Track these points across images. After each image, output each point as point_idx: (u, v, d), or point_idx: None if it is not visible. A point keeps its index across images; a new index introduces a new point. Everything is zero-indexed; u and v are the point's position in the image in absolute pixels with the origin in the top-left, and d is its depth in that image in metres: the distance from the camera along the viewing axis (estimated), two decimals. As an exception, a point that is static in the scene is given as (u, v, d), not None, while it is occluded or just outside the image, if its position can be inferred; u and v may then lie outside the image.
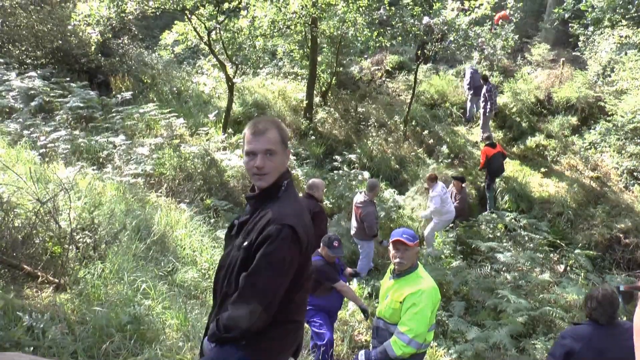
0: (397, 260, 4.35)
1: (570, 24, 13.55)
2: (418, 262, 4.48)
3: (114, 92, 13.68)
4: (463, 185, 12.91)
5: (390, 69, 19.62)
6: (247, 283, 2.56)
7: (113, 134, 10.61)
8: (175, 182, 9.66)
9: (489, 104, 15.48)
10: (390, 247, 4.44)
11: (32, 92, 11.10)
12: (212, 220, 8.77)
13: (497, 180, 14.00)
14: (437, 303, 4.36)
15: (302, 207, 2.82)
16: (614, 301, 4.22)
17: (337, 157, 14.56)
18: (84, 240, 5.15)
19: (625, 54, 11.73)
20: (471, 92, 16.91)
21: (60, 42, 13.90)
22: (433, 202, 11.12)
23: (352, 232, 9.94)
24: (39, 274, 4.43)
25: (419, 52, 16.60)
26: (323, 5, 14.51)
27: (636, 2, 10.29)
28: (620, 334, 4.14)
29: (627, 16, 10.65)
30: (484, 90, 15.63)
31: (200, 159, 10.65)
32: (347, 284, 6.35)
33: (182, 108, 14.31)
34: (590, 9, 11.92)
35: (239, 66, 14.86)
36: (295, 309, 2.77)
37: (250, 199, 2.85)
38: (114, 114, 11.75)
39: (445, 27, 15.02)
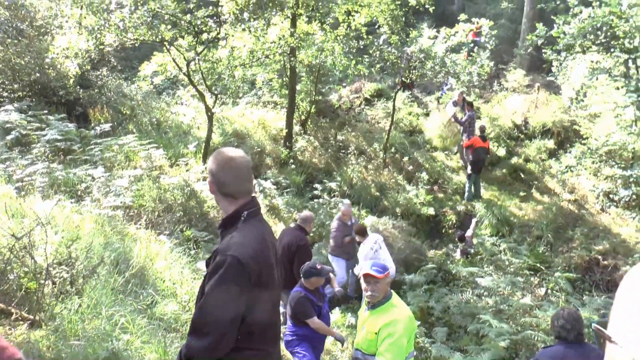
0: (369, 293, 4.38)
1: (543, 50, 13.58)
2: (391, 292, 4.50)
3: (92, 124, 13.60)
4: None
5: (369, 97, 19.69)
6: (197, 314, 2.59)
7: (92, 166, 10.51)
8: (154, 213, 9.56)
9: (468, 131, 15.59)
10: (362, 281, 4.47)
11: (8, 125, 11.03)
12: (193, 252, 8.69)
13: (478, 201, 14.22)
14: (414, 331, 4.38)
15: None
16: (579, 319, 4.37)
17: (317, 185, 14.60)
18: (61, 275, 5.06)
19: (597, 78, 11.90)
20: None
21: (38, 74, 13.84)
22: (362, 257, 9.43)
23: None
24: (13, 310, 4.33)
25: (398, 80, 16.74)
26: (301, 35, 14.64)
27: (604, 28, 10.49)
28: (590, 352, 4.24)
29: (596, 42, 10.86)
30: (465, 116, 15.74)
31: (180, 190, 10.59)
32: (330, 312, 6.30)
33: (162, 139, 14.25)
34: (562, 35, 12.08)
35: (219, 96, 14.83)
36: (258, 339, 2.75)
37: (218, 229, 2.93)
38: (93, 146, 11.63)
39: (422, 55, 15.19)
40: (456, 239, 12.63)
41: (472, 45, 17.96)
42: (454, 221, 14.29)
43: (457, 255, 12.33)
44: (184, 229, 9.69)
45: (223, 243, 2.72)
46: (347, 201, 9.70)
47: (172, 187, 10.44)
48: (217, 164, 2.83)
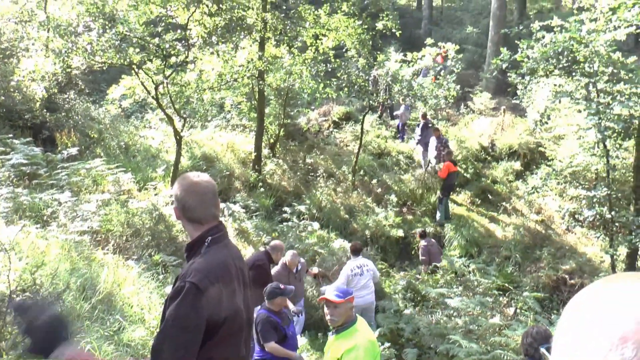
0: (329, 317, 4.39)
1: (508, 74, 13.65)
2: (356, 316, 4.50)
3: (59, 148, 13.30)
4: (424, 242, 13.00)
5: (337, 120, 19.78)
6: (156, 340, 2.56)
7: (58, 190, 10.24)
8: (122, 238, 9.38)
9: (437, 154, 15.75)
10: (324, 305, 4.49)
11: (-29, 150, 10.76)
12: (161, 276, 8.55)
13: (448, 223, 14.44)
14: (377, 355, 4.35)
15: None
16: (548, 337, 4.39)
17: (286, 208, 14.61)
18: (25, 303, 4.89)
19: (559, 101, 12.10)
20: (420, 147, 17.01)
21: (3, 98, 13.55)
22: (341, 277, 9.53)
23: None
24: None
25: (366, 102, 16.86)
26: (269, 58, 14.74)
27: (565, 53, 10.69)
28: None
29: (558, 66, 10.98)
30: (435, 143, 15.84)
31: (148, 214, 10.42)
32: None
33: (130, 163, 14.11)
34: (525, 60, 12.00)
35: (187, 119, 14.78)
36: None
37: (185, 254, 2.90)
38: (60, 170, 11.34)
39: (390, 78, 15.45)
40: (417, 236, 13.04)
41: (439, 68, 18.18)
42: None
43: (422, 267, 12.67)
44: (153, 253, 9.52)
45: (184, 269, 2.70)
46: (292, 252, 9.15)
47: (140, 211, 10.27)
48: (181, 189, 2.81)
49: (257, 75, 14.96)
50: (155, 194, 12.07)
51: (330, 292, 4.42)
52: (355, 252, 9.77)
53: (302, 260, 9.28)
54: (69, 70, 12.97)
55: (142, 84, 12.92)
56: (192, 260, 2.74)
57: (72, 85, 16.99)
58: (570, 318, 0.83)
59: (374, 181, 16.48)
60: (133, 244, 9.41)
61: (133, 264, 8.21)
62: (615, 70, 10.74)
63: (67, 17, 12.09)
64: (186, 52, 12.73)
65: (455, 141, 17.44)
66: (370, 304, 9.56)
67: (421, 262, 12.96)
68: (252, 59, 14.18)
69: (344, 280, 9.28)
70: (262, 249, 8.69)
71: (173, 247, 10.28)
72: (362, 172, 16.71)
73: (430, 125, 16.81)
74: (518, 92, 15.30)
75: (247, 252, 11.25)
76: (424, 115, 16.83)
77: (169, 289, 7.51)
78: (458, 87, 16.82)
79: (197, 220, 2.82)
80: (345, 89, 15.88)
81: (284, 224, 13.74)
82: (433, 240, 13.36)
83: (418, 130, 16.68)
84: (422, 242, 12.91)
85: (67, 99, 15.81)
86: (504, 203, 15.67)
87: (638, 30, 10.69)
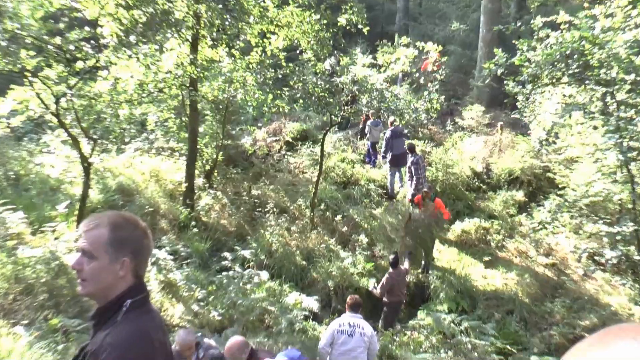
0: None
1: (505, 82, 13.89)
2: None
3: None
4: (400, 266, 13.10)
5: (291, 140, 19.85)
6: None
7: None
8: (8, 297, 9.12)
9: (414, 179, 15.83)
10: None
11: None
12: (61, 346, 8.30)
13: (433, 270, 14.48)
14: None
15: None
16: None
17: (226, 254, 14.49)
18: None
19: (570, 116, 12.07)
20: (386, 159, 17.20)
21: None
22: (324, 337, 9.33)
23: None
24: None
25: (326, 117, 17.07)
26: (204, 63, 14.67)
27: (575, 56, 10.66)
28: None
29: (568, 72, 10.91)
30: (408, 162, 15.99)
31: (44, 264, 10.16)
32: None
33: (22, 198, 13.83)
34: (526, 64, 12.14)
35: (98, 141, 14.40)
36: None
37: (91, 321, 2.79)
38: None
39: (356, 87, 15.40)
40: (390, 262, 13.00)
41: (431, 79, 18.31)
42: (411, 284, 14.39)
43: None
44: (50, 315, 9.27)
45: (95, 342, 2.61)
46: (185, 330, 7.67)
47: (33, 262, 10.01)
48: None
49: (188, 85, 14.85)
50: (55, 238, 11.81)
51: (280, 356, 4.39)
52: (354, 307, 9.55)
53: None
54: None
55: (38, 96, 12.45)
56: (105, 330, 2.64)
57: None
58: None
59: (338, 217, 16.51)
60: (23, 304, 9.13)
61: (22, 330, 7.98)
62: (638, 78, 10.57)
63: None
64: (97, 56, 12.40)
65: (440, 165, 17.51)
66: None
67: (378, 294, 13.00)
68: (181, 64, 14.13)
69: (329, 337, 9.11)
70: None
71: (78, 307, 10.00)
72: (322, 207, 16.70)
73: (399, 134, 16.97)
74: (518, 104, 15.32)
75: (176, 311, 11.22)
76: (392, 122, 17.00)
77: (70, 362, 7.31)
78: (442, 98, 16.83)
79: None
80: (301, 101, 15.80)
81: (224, 273, 13.56)
82: (404, 268, 13.33)
83: (385, 141, 16.85)
84: (390, 271, 12.95)
85: None
86: (503, 243, 15.70)
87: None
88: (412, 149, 16.14)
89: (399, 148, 16.82)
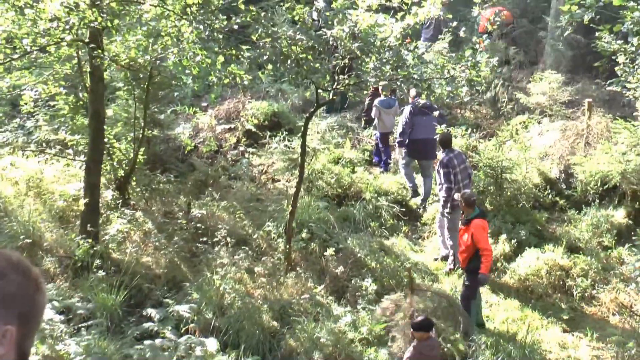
0: None
1: (596, 33, 12.78)
2: None
3: None
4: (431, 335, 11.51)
5: (254, 129, 18.37)
6: None
7: None
8: None
9: (445, 187, 14.40)
10: None
11: None
12: None
13: (480, 332, 12.86)
14: None
15: None
16: None
17: (151, 311, 12.39)
18: None
19: None
20: (403, 146, 16.64)
21: None
22: None
23: None
24: None
25: (310, 93, 16.54)
26: (113, 5, 13.07)
27: None
28: None
29: None
30: (438, 164, 14.85)
31: None
32: None
33: None
34: (632, 3, 10.82)
35: None
36: None
37: None
38: None
39: (357, 45, 13.38)
40: (413, 325, 11.64)
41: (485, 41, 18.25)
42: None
43: None
44: None
45: None
46: None
47: None
48: None
49: (87, 40, 12.88)
50: None
51: None
52: None
53: None
54: None
55: None
56: None
57: None
58: None
59: (330, 252, 14.32)
60: None
61: None
62: None
63: None
64: None
65: (488, 169, 15.80)
66: None
67: None
68: (75, 5, 12.03)
69: None
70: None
71: None
72: (305, 234, 14.82)
73: (426, 110, 16.05)
74: (617, 69, 13.81)
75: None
76: (414, 97, 16.20)
77: None
78: (496, 61, 14.66)
79: None
80: (269, 67, 13.96)
81: (147, 342, 11.42)
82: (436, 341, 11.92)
83: (403, 120, 16.20)
84: (414, 344, 11.58)
85: None
86: (593, 292, 13.84)
87: None
88: (445, 141, 14.69)
89: (424, 130, 15.63)
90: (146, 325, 12.06)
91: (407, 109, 16.37)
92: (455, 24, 16.15)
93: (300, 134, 15.09)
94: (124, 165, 15.47)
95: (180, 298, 13.07)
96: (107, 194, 15.32)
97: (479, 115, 18.88)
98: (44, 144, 16.86)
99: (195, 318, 12.43)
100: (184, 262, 14.24)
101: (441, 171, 14.43)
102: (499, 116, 18.65)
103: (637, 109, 16.70)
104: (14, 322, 2.40)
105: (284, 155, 17.16)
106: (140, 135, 15.46)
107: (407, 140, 16.20)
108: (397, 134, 16.69)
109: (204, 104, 18.94)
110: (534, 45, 21.03)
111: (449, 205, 14.29)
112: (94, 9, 12.00)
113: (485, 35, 17.77)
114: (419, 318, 11.75)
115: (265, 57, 13.42)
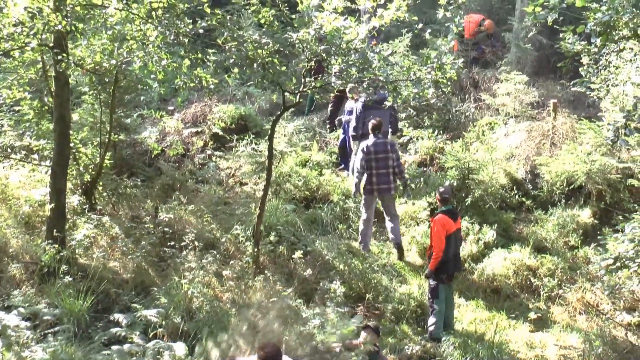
0: None
1: (561, 33, 12.84)
2: None
3: None
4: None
5: (221, 132, 18.45)
6: None
7: None
8: None
9: (357, 171, 15.18)
10: None
11: None
12: None
13: (449, 335, 12.74)
14: None
15: None
16: None
17: (119, 316, 12.39)
18: None
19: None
20: (357, 140, 16.57)
21: None
22: None
23: None
24: None
25: (275, 96, 15.80)
26: (77, 9, 12.89)
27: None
28: None
29: None
30: (359, 149, 15.28)
31: None
32: None
33: None
34: (594, 5, 10.80)
35: None
36: None
37: None
38: None
39: (323, 47, 13.54)
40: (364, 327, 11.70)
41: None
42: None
43: None
44: None
45: None
46: None
47: None
48: None
49: (52, 44, 12.67)
50: None
51: None
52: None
53: None
54: None
55: None
56: None
57: None
58: None
59: (298, 254, 14.24)
60: None
61: None
62: None
63: None
64: None
65: (456, 170, 16.00)
66: None
67: None
68: (39, 10, 12.08)
69: None
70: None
71: None
72: (273, 238, 14.52)
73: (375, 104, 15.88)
74: (581, 70, 14.23)
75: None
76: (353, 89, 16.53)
77: None
78: (461, 61, 14.77)
79: None
80: (236, 70, 13.83)
81: (115, 348, 11.32)
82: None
83: (355, 114, 16.28)
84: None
85: None
86: (560, 291, 13.87)
87: None
88: (375, 127, 14.98)
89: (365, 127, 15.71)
90: (114, 330, 12.01)
91: (358, 106, 16.48)
92: (420, 25, 15.71)
93: (267, 137, 15.15)
94: (90, 170, 15.43)
95: (148, 303, 12.90)
96: (74, 199, 14.94)
97: (445, 117, 19.00)
98: (9, 149, 16.46)
99: (163, 322, 12.37)
100: (151, 266, 14.13)
101: (360, 155, 14.84)
102: (466, 117, 18.82)
103: (601, 109, 16.60)
104: None
105: (251, 158, 17.19)
106: (107, 140, 15.40)
107: (360, 133, 16.20)
108: (351, 128, 16.81)
109: (171, 108, 18.97)
110: (497, 45, 21.25)
111: (360, 190, 14.86)
112: (57, 13, 11.97)
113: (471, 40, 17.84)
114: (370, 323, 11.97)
115: (231, 61, 13.42)
